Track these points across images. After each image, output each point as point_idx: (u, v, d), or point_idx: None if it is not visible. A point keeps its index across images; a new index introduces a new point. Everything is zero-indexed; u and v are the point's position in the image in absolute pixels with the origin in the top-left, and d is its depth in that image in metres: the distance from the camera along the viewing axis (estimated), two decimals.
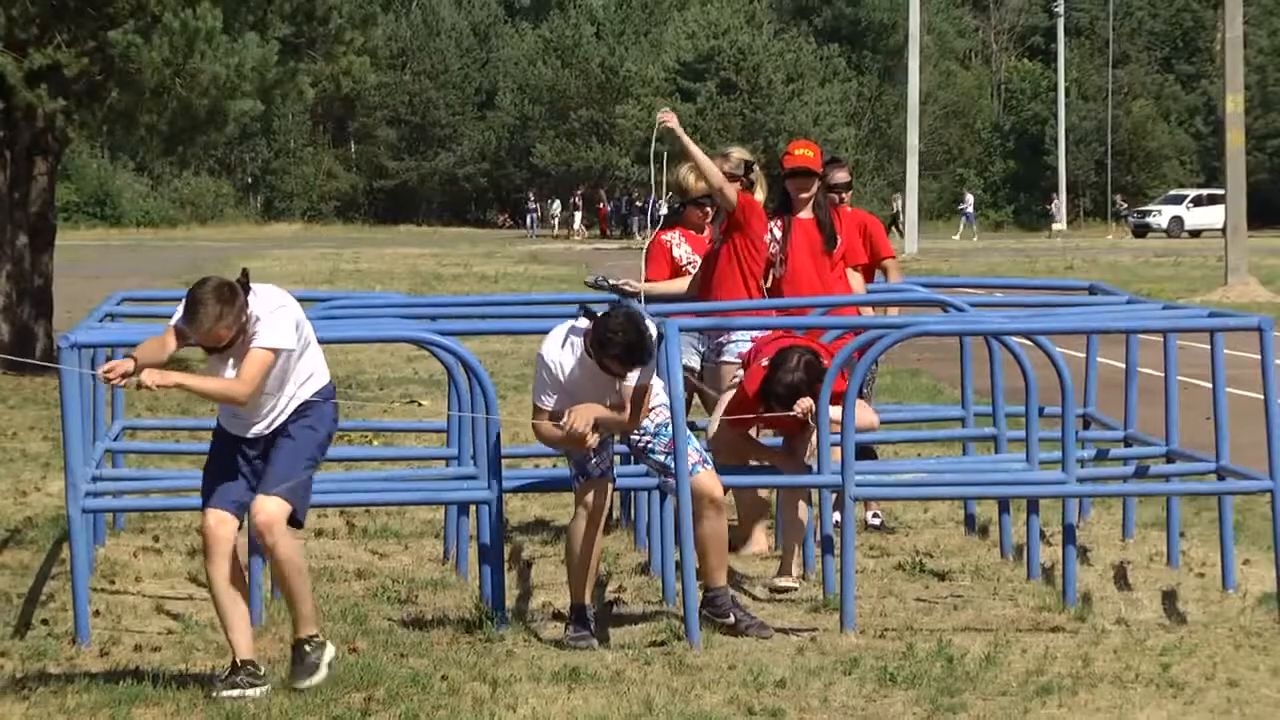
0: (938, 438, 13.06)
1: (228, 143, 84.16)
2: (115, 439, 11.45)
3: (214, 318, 7.79)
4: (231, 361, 7.96)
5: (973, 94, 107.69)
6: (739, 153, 11.62)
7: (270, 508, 7.98)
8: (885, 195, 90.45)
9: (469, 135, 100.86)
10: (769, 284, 11.77)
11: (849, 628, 9.30)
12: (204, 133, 22.26)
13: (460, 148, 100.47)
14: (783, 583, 10.12)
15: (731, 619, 9.20)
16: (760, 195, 11.51)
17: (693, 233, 11.97)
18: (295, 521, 8.09)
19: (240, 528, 8.14)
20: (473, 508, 10.20)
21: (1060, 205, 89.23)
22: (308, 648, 8.17)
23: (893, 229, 72.61)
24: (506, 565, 10.05)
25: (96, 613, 9.53)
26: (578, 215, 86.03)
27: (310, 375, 8.10)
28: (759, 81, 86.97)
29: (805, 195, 11.81)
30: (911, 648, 8.94)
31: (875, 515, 12.28)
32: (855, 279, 12.00)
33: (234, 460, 8.10)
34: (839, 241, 11.84)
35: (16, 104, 21.49)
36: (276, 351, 7.91)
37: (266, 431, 8.08)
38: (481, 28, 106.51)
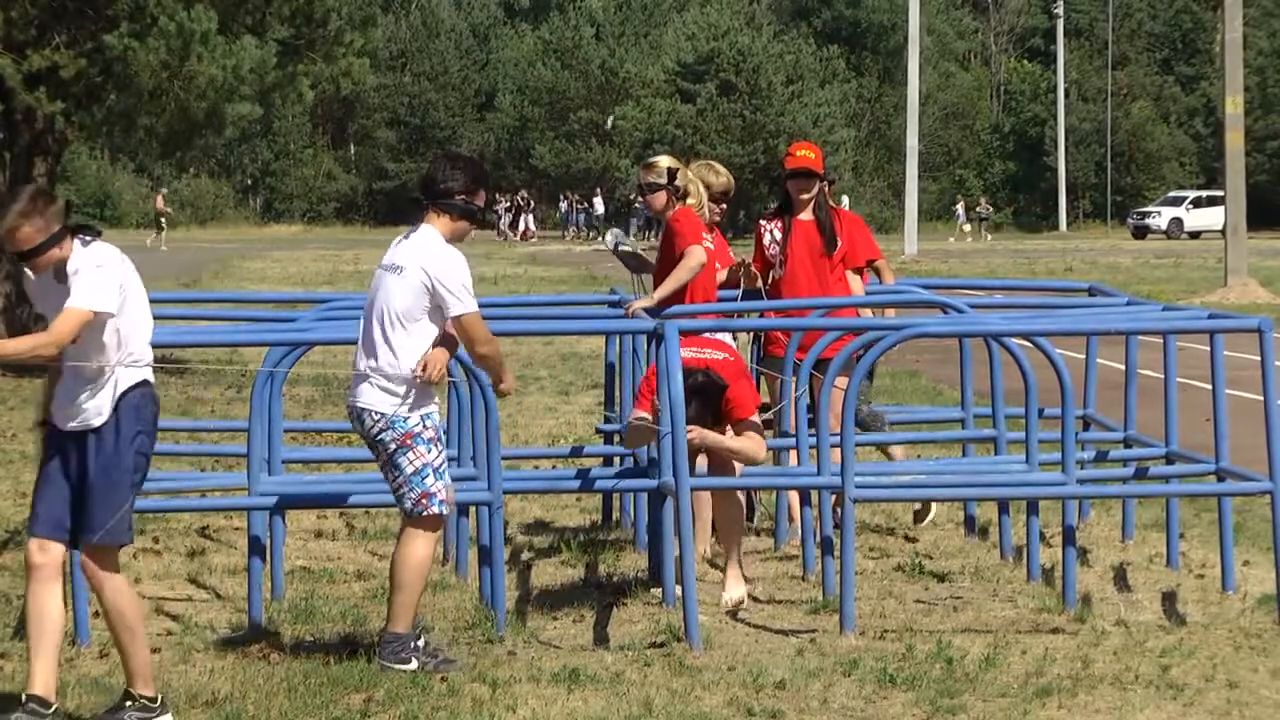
0: (937, 439, 13.06)
1: (226, 144, 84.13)
2: None
3: (17, 214, 7.40)
4: (51, 297, 7.56)
5: (972, 95, 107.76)
6: (665, 161, 11.27)
7: (93, 556, 7.61)
8: (885, 197, 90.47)
9: (468, 137, 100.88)
10: (768, 285, 11.76)
11: (849, 629, 9.30)
12: (201, 135, 22.26)
13: (460, 149, 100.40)
14: (731, 596, 10.02)
15: (414, 664, 8.53)
16: (692, 201, 11.22)
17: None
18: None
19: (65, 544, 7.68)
20: (472, 509, 10.21)
21: (960, 208, 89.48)
22: (128, 704, 7.66)
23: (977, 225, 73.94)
24: (506, 567, 10.04)
25: (96, 614, 9.51)
26: (527, 217, 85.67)
27: (134, 359, 7.63)
28: (759, 83, 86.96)
29: (806, 196, 11.81)
30: (911, 649, 8.94)
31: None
32: (855, 281, 11.98)
33: (58, 465, 7.68)
34: (839, 243, 11.83)
35: (16, 105, 21.51)
36: (94, 313, 7.43)
37: (79, 426, 7.59)
38: (481, 29, 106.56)
